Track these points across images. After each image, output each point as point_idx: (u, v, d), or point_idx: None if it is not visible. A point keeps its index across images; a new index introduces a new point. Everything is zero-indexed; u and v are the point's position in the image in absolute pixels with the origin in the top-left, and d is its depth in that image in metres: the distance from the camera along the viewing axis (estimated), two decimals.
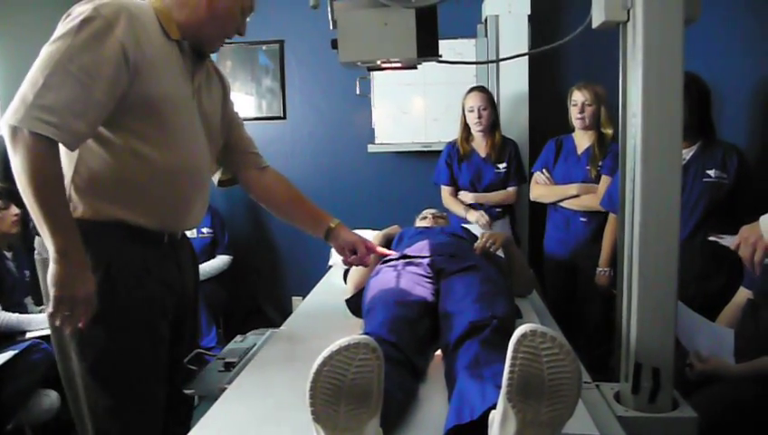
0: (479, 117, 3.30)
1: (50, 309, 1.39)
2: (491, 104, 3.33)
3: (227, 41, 1.68)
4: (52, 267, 1.37)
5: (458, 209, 3.43)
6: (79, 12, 1.39)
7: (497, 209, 3.39)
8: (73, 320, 1.40)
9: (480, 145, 3.41)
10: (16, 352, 2.45)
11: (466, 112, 3.35)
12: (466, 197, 3.42)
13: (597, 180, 3.05)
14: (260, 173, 1.92)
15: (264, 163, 1.94)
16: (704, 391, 1.88)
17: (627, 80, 1.53)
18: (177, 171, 1.56)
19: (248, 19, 1.68)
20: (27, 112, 1.31)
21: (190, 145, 1.59)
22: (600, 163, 3.05)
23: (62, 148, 1.40)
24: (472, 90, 3.36)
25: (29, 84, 1.33)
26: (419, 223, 2.81)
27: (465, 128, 3.39)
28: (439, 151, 3.93)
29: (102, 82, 1.38)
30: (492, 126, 3.36)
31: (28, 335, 2.68)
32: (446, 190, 3.49)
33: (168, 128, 1.52)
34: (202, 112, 1.65)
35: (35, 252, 1.60)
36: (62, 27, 1.38)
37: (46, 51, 1.36)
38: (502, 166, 3.37)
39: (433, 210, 2.92)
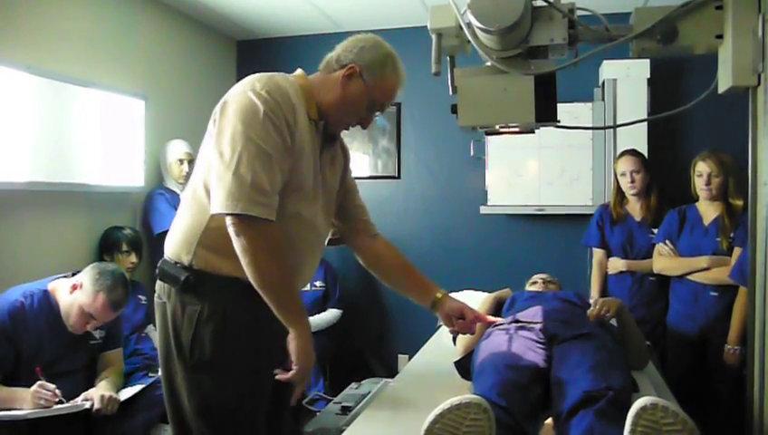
0: (632, 181, 3.23)
1: (293, 377, 1.54)
2: (644, 167, 3.25)
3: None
4: (292, 340, 1.53)
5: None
6: (243, 99, 1.50)
7: (650, 278, 3.24)
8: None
9: (635, 209, 3.33)
10: (142, 386, 2.62)
11: (619, 177, 3.30)
12: (617, 263, 3.32)
13: (728, 252, 2.87)
14: (371, 240, 1.98)
15: (374, 231, 1.99)
16: None
17: (756, 147, 1.47)
18: (294, 239, 1.63)
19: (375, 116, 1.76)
20: (246, 199, 1.44)
21: (309, 215, 1.67)
22: (731, 234, 2.88)
23: (194, 209, 1.60)
24: (623, 153, 3.31)
25: (231, 172, 1.46)
26: (530, 288, 2.76)
27: (618, 192, 3.33)
28: (552, 215, 3.89)
29: (283, 156, 1.52)
30: (647, 189, 3.28)
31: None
32: (597, 253, 3.42)
33: (292, 200, 1.60)
34: (324, 184, 1.74)
35: (156, 295, 1.74)
36: (236, 114, 1.49)
37: (231, 140, 1.48)
38: (657, 230, 3.22)
39: (544, 275, 2.86)
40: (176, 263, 1.63)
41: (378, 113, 1.76)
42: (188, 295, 1.60)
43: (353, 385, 2.01)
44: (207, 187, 1.57)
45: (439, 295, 1.96)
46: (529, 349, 1.83)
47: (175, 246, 1.65)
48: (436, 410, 1.08)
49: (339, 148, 1.85)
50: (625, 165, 3.25)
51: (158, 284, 1.69)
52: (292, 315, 1.54)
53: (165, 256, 1.69)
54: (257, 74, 1.58)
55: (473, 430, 1.07)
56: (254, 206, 1.45)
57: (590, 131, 3.70)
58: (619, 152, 3.41)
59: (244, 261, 1.48)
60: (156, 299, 1.72)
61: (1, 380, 2.27)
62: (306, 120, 1.61)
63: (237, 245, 1.48)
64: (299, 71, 1.72)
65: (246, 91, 1.52)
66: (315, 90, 1.66)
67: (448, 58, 1.72)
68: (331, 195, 1.79)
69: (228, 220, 1.47)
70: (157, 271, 1.69)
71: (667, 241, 3.08)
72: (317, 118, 1.66)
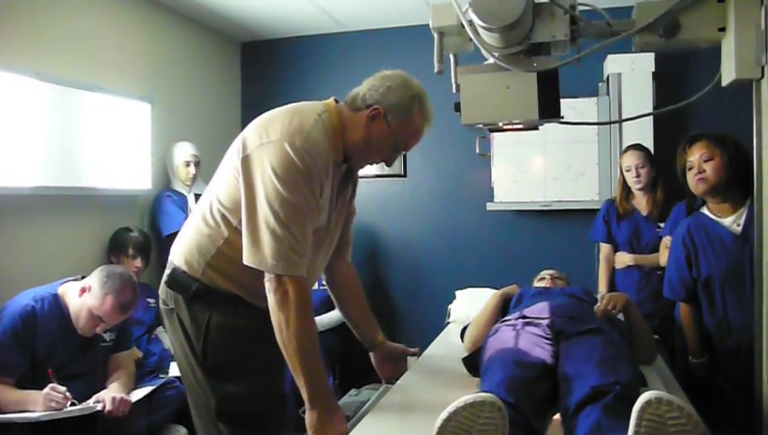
0: (637, 175, 3.23)
1: None
2: (649, 161, 3.25)
3: None
4: (307, 414, 1.52)
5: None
6: (282, 153, 1.50)
7: (658, 272, 3.20)
8: None
9: (641, 203, 3.32)
10: (153, 387, 2.65)
11: (624, 172, 3.29)
12: (624, 258, 3.32)
13: None
14: (345, 265, 2.01)
15: (349, 258, 2.03)
16: None
17: (761, 139, 1.47)
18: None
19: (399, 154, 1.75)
20: (284, 259, 1.48)
21: (317, 250, 1.68)
22: None
23: (207, 229, 1.62)
24: (628, 148, 3.31)
25: (269, 231, 1.48)
26: (537, 284, 2.76)
27: (624, 186, 3.33)
28: (559, 211, 3.89)
29: (314, 212, 1.55)
30: (652, 183, 3.27)
31: (171, 374, 2.91)
32: (604, 248, 3.42)
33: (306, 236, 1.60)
34: (335, 213, 1.75)
35: (161, 300, 1.76)
36: (273, 169, 1.49)
37: (267, 195, 1.49)
38: (664, 224, 3.20)
39: (551, 271, 2.86)
40: (185, 272, 1.66)
41: (403, 152, 1.76)
42: (197, 304, 1.64)
43: (352, 392, 2.04)
44: (223, 209, 1.61)
45: (381, 339, 2.06)
46: (536, 345, 1.83)
47: (185, 258, 1.68)
48: (450, 408, 1.08)
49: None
50: (629, 160, 3.25)
51: (166, 291, 1.72)
52: (310, 383, 1.52)
53: (174, 263, 1.71)
54: (296, 121, 1.55)
55: (487, 429, 1.08)
56: (292, 265, 1.48)
57: (596, 127, 3.70)
58: (624, 146, 3.40)
59: (274, 316, 1.51)
60: (162, 305, 1.75)
61: (14, 383, 2.30)
62: (331, 159, 1.61)
63: (272, 299, 1.51)
64: (331, 101, 1.70)
65: (284, 142, 1.51)
66: (344, 127, 1.65)
67: (451, 56, 1.72)
68: (341, 212, 1.82)
69: (266, 276, 1.50)
70: (165, 278, 1.71)
71: None
72: (342, 161, 1.67)
